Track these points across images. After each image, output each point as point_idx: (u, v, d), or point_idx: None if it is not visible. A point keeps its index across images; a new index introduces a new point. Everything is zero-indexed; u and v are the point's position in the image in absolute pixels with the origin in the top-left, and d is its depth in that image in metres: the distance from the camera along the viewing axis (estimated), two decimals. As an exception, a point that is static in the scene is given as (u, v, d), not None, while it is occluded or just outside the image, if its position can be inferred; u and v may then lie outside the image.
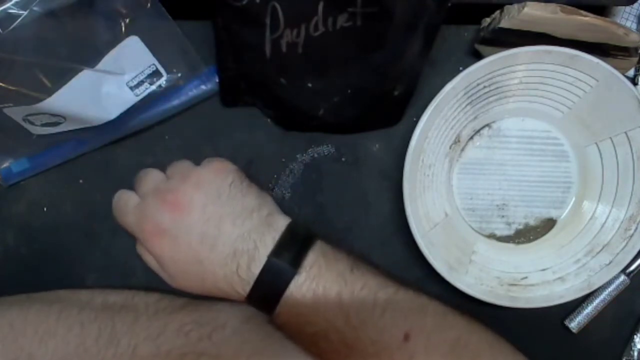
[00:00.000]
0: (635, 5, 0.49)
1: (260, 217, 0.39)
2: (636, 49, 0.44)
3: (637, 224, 0.44)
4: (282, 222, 0.39)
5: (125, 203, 0.41)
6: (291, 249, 0.37)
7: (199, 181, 0.39)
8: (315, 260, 0.38)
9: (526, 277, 0.45)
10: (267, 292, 0.37)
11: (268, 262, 0.37)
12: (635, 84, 0.48)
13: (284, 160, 0.47)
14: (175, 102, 0.45)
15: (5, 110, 0.40)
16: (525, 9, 0.41)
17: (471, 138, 0.46)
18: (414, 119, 0.47)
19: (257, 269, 0.37)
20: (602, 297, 0.47)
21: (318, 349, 0.37)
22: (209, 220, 0.38)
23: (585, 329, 0.48)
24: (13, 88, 0.39)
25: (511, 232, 0.47)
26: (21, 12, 0.37)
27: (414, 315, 0.38)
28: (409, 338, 0.36)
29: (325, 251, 0.39)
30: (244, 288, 0.37)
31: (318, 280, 0.37)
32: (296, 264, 0.37)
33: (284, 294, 0.37)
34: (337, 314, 0.37)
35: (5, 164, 0.44)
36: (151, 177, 0.41)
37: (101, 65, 0.41)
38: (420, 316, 0.38)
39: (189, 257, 0.38)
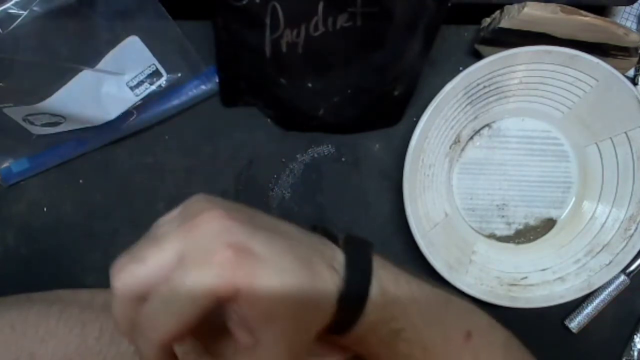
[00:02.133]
0: (635, 5, 0.49)
1: (314, 241, 0.33)
2: (636, 49, 0.44)
3: (637, 224, 0.44)
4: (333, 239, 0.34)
5: None
6: (360, 259, 0.33)
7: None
8: (378, 268, 0.33)
9: (526, 277, 0.45)
10: (357, 287, 0.32)
11: (346, 255, 0.31)
12: (635, 84, 0.48)
13: (284, 160, 0.47)
14: (175, 102, 0.45)
15: (5, 110, 0.40)
16: (525, 9, 0.41)
17: (471, 138, 0.46)
18: (414, 119, 0.47)
19: (340, 267, 0.31)
20: (602, 297, 0.47)
21: (396, 353, 0.35)
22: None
23: (585, 329, 0.48)
24: (13, 88, 0.39)
25: (511, 232, 0.47)
26: (21, 12, 0.37)
27: (469, 314, 0.37)
28: (470, 336, 0.36)
29: (379, 260, 0.35)
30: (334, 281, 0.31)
31: (387, 280, 0.33)
32: (369, 273, 0.33)
33: (366, 304, 0.32)
34: (412, 309, 0.34)
35: (5, 164, 0.44)
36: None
37: (101, 65, 0.41)
38: (474, 316, 0.38)
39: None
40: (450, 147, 0.45)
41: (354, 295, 0.31)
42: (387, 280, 0.33)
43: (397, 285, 0.34)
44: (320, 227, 0.35)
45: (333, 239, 0.33)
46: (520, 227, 0.47)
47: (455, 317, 0.37)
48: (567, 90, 0.44)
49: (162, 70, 0.43)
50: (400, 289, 0.34)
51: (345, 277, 0.30)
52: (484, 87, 0.43)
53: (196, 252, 0.26)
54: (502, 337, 0.38)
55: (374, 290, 0.33)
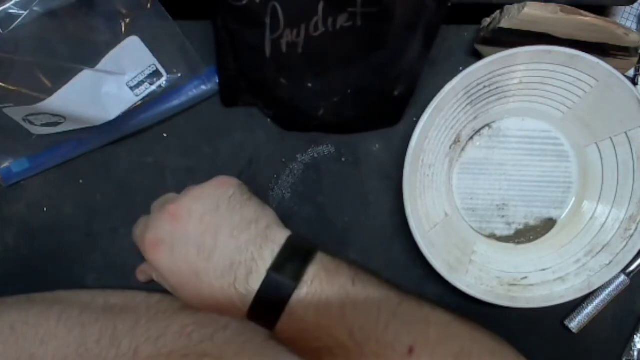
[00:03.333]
0: (635, 5, 0.49)
1: (258, 229, 0.38)
2: (636, 49, 0.44)
3: (637, 224, 0.44)
4: (281, 235, 0.38)
5: (139, 222, 0.42)
6: (291, 263, 0.37)
7: (200, 194, 0.39)
8: (316, 273, 0.37)
9: (526, 277, 0.45)
10: (267, 307, 0.36)
11: (267, 276, 0.36)
12: (635, 84, 0.48)
13: (284, 160, 0.47)
14: (175, 102, 0.45)
15: (5, 110, 0.40)
16: (525, 9, 0.41)
17: (471, 138, 0.46)
18: (414, 119, 0.47)
19: (255, 284, 0.36)
20: (602, 297, 0.47)
21: None
22: (206, 231, 0.37)
23: (585, 329, 0.48)
24: (13, 88, 0.39)
25: (511, 232, 0.47)
26: (21, 12, 0.37)
27: (417, 327, 0.37)
28: (413, 351, 0.36)
29: (325, 264, 0.38)
30: (242, 302, 0.37)
31: (320, 294, 0.36)
32: (296, 278, 0.36)
33: (285, 310, 0.36)
34: (340, 328, 0.36)
35: (5, 164, 0.44)
36: (164, 196, 0.42)
37: (101, 65, 0.41)
38: (423, 328, 0.37)
39: (186, 269, 0.37)
40: (450, 147, 0.45)
41: (259, 311, 0.37)
42: (309, 305, 0.36)
43: (327, 308, 0.36)
44: (295, 238, 0.39)
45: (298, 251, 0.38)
46: (520, 227, 0.47)
47: (398, 331, 0.37)
48: (567, 90, 0.44)
49: (162, 70, 0.43)
50: (326, 313, 0.36)
51: (254, 298, 0.36)
52: (484, 87, 0.43)
53: (145, 225, 0.39)
54: (457, 348, 0.37)
55: (283, 321, 0.36)
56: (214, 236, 0.37)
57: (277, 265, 0.36)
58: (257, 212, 0.39)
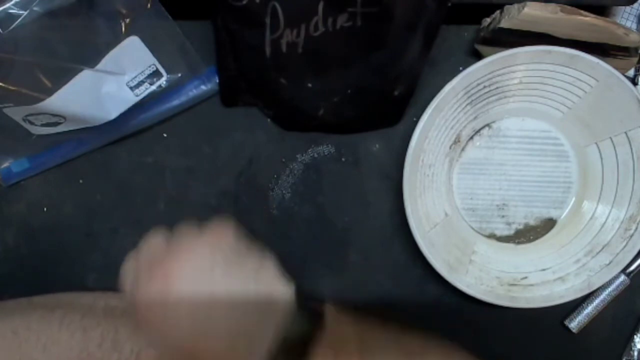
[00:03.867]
0: (635, 5, 0.49)
1: (258, 296, 0.34)
2: (636, 49, 0.44)
3: (637, 224, 0.44)
4: (284, 303, 0.35)
5: (126, 261, 0.37)
6: (295, 347, 0.34)
7: (192, 251, 0.34)
8: (323, 355, 0.34)
9: (526, 277, 0.45)
10: None
11: None
12: (635, 84, 0.48)
13: (284, 160, 0.47)
14: (175, 102, 0.45)
15: (5, 110, 0.40)
16: (525, 9, 0.41)
17: (471, 138, 0.46)
18: (414, 119, 0.47)
19: None
20: (602, 297, 0.47)
21: None
22: (200, 302, 0.33)
23: (585, 329, 0.48)
24: (13, 88, 0.39)
25: (511, 232, 0.47)
26: (21, 12, 0.37)
27: None
28: None
29: (332, 340, 0.35)
30: None
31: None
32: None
33: None
34: None
35: (5, 164, 0.44)
36: (152, 243, 0.37)
37: (101, 65, 0.41)
38: None
39: (180, 345, 0.33)
40: (450, 147, 0.45)
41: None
42: None
43: None
44: (299, 304, 0.36)
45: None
46: (520, 227, 0.47)
47: None
48: (567, 90, 0.44)
49: (162, 70, 0.43)
50: None
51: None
52: (484, 87, 0.43)
53: (135, 280, 0.35)
54: None
55: None
56: (209, 307, 0.33)
57: (281, 347, 0.34)
58: (256, 270, 0.35)
